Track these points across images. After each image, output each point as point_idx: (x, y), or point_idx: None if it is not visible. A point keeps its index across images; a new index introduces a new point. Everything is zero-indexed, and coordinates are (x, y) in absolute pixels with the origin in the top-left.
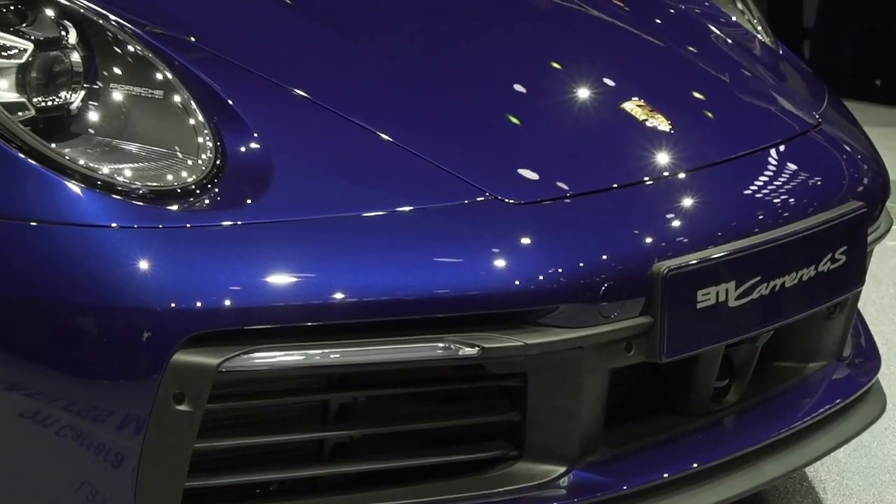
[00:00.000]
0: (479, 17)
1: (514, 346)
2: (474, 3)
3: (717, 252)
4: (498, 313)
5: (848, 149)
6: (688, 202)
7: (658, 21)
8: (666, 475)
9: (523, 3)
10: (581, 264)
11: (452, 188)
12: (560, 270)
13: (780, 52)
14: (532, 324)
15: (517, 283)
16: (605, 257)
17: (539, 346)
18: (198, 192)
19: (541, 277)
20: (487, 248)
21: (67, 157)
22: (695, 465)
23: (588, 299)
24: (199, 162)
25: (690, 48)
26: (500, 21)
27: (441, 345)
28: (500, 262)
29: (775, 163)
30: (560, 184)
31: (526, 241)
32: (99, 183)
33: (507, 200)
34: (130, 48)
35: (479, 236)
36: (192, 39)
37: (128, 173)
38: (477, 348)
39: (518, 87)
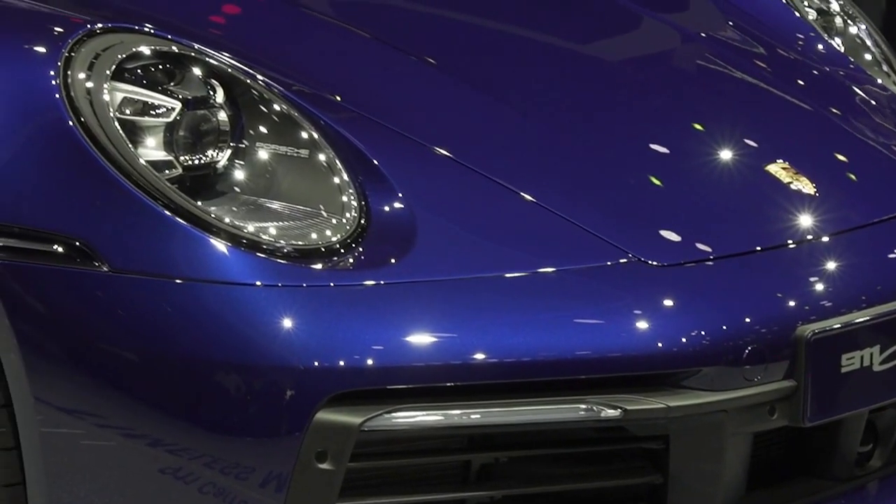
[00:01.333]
0: (622, 80)
1: (656, 409)
2: (616, 65)
3: (861, 316)
4: (640, 375)
5: None
6: (832, 266)
7: (802, 83)
8: None
9: (666, 65)
10: (724, 327)
11: (595, 249)
12: (703, 333)
13: None
14: (674, 386)
15: (660, 345)
16: (748, 320)
17: (682, 409)
18: (342, 251)
19: (684, 340)
20: (630, 310)
21: (213, 216)
22: None
23: (731, 362)
24: (344, 221)
25: (835, 110)
26: (642, 83)
27: (583, 406)
28: (642, 324)
29: None
30: (703, 246)
31: (669, 303)
32: (244, 241)
33: (650, 262)
34: (276, 107)
35: (622, 298)
36: (337, 98)
37: (273, 232)
38: (619, 410)
39: (660, 148)
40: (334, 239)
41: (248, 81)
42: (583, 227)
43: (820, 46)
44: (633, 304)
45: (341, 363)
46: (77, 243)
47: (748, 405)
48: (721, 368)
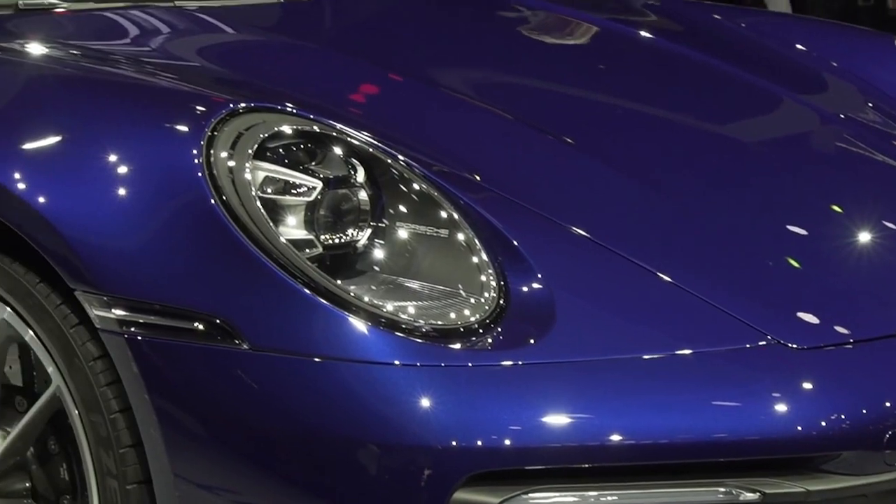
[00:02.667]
0: (759, 160)
1: (795, 493)
2: (754, 145)
3: None
4: (779, 459)
5: None
6: None
7: None
8: None
9: (804, 146)
10: (865, 411)
11: (733, 331)
12: (843, 417)
13: None
14: (814, 470)
15: (799, 428)
16: (888, 404)
17: (821, 493)
18: (481, 331)
19: (823, 424)
20: (769, 393)
21: (353, 294)
22: None
23: (872, 446)
24: (483, 301)
25: None
26: (779, 164)
27: (721, 490)
28: (781, 407)
29: None
30: (842, 329)
31: (808, 386)
32: (383, 320)
33: (789, 345)
34: (416, 187)
35: (761, 380)
36: (477, 178)
37: (411, 311)
38: (758, 494)
39: (797, 230)
40: (473, 319)
41: (389, 161)
42: (721, 308)
43: None
44: (773, 387)
45: (479, 443)
46: (217, 321)
47: (889, 490)
48: (861, 453)
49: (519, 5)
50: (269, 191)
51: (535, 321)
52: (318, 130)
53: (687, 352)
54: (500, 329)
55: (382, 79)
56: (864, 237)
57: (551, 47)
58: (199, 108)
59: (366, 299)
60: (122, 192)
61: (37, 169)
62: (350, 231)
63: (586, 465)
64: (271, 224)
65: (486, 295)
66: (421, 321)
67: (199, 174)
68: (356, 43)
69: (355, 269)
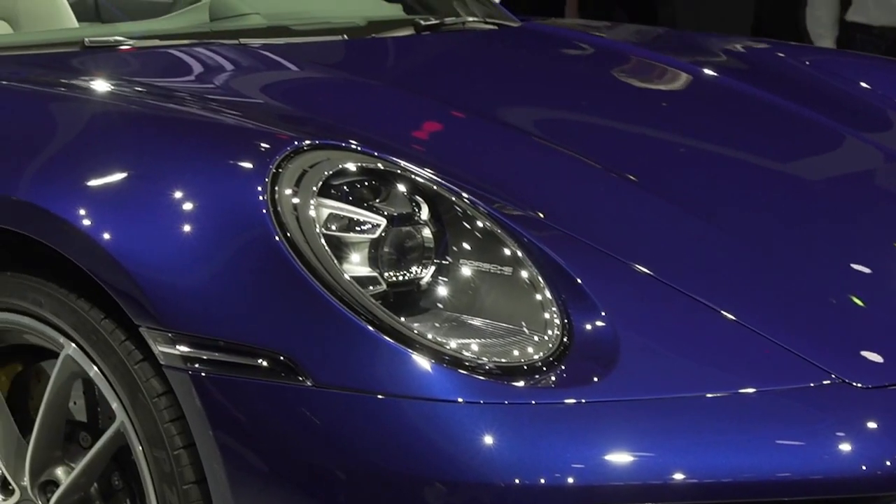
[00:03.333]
0: (822, 198)
1: None
2: (817, 184)
3: None
4: (843, 498)
5: None
6: None
7: None
8: None
9: (868, 184)
10: None
11: (797, 369)
12: None
13: None
14: None
15: (864, 468)
16: None
17: None
18: (544, 368)
19: (888, 463)
20: (833, 432)
21: (416, 332)
22: None
23: None
24: (546, 338)
25: None
26: (843, 202)
27: None
28: (846, 447)
29: None
30: None
31: (873, 425)
32: (447, 358)
33: (853, 384)
34: (480, 224)
35: (825, 420)
36: (540, 215)
37: (475, 348)
38: None
39: (861, 268)
40: (536, 356)
41: (453, 199)
42: (784, 346)
43: None
44: (837, 427)
45: (542, 481)
46: (281, 357)
47: None
48: None
49: (583, 43)
50: (334, 228)
51: (598, 359)
52: (382, 168)
53: (750, 390)
54: (563, 367)
55: (446, 116)
56: None
57: (614, 85)
58: (263, 145)
59: (429, 336)
60: (187, 228)
61: (102, 206)
62: (414, 268)
63: None
64: (335, 261)
65: (550, 333)
66: (484, 359)
67: (264, 211)
68: (419, 80)
69: (419, 307)
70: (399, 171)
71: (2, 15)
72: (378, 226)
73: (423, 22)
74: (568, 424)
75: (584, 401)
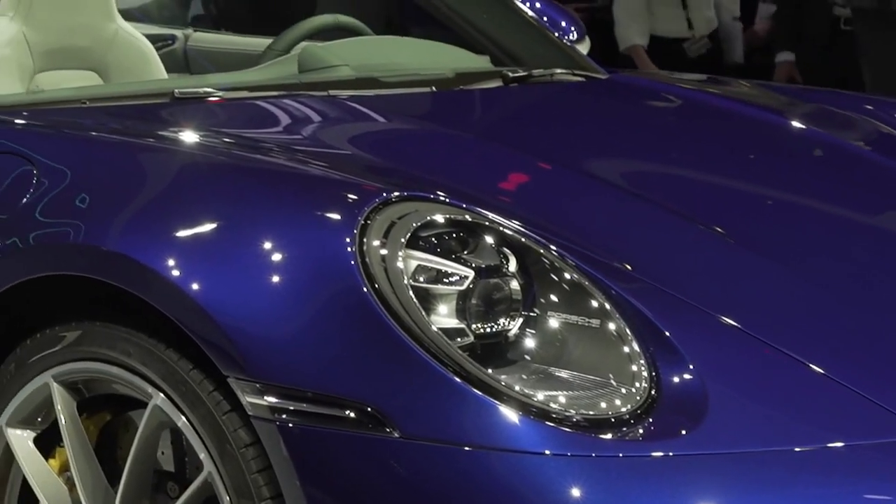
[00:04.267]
0: None
1: None
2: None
3: None
4: None
5: None
6: None
7: None
8: None
9: None
10: None
11: (885, 423)
12: None
13: None
14: None
15: None
16: None
17: None
18: (632, 421)
19: None
20: None
21: (503, 384)
22: None
23: None
24: (634, 391)
25: None
26: None
27: None
28: None
29: None
30: None
31: None
32: (534, 410)
33: None
34: (567, 276)
35: None
36: (627, 267)
37: (562, 400)
38: None
39: None
40: (624, 409)
41: (541, 251)
42: (872, 399)
43: None
44: None
45: None
46: (369, 409)
47: None
48: None
49: (670, 95)
50: (422, 279)
51: (686, 412)
52: (470, 219)
53: (839, 444)
54: (651, 420)
55: (533, 168)
56: None
57: (701, 136)
58: (351, 196)
59: (517, 388)
60: (275, 279)
61: (190, 256)
62: (501, 320)
63: None
64: (423, 313)
65: (638, 385)
66: (572, 411)
67: (352, 262)
68: (507, 132)
69: (506, 358)
70: (487, 223)
71: (91, 66)
72: (466, 278)
73: (511, 74)
74: (655, 478)
75: (671, 454)
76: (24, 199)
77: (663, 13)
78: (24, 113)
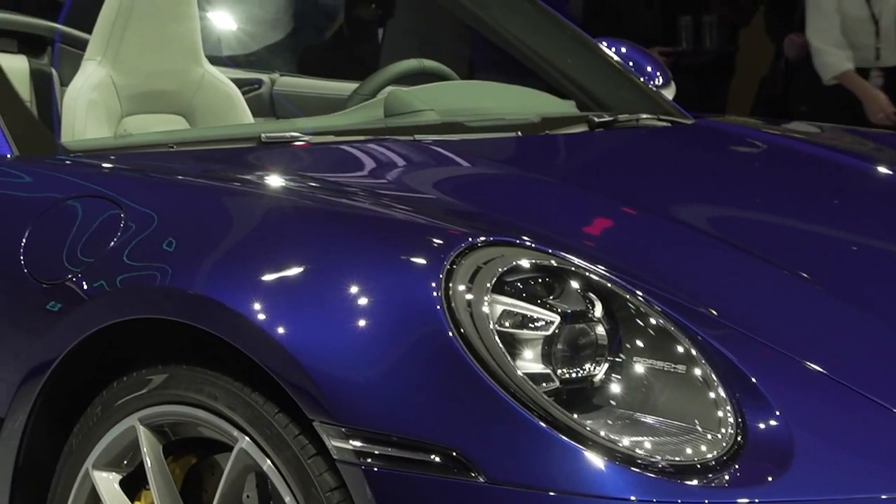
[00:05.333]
0: None
1: None
2: None
3: None
4: None
5: None
6: None
7: None
8: None
9: None
10: None
11: None
12: None
13: None
14: None
15: None
16: None
17: None
18: (718, 467)
19: None
20: None
21: (589, 429)
22: None
23: None
24: (720, 437)
25: None
26: None
27: None
28: None
29: None
30: None
31: None
32: (619, 455)
33: None
34: (653, 321)
35: None
36: (713, 312)
37: (648, 446)
38: None
39: None
40: (710, 455)
41: (627, 296)
42: None
43: None
44: None
45: None
46: (454, 453)
47: None
48: None
49: (756, 140)
50: (507, 324)
51: (772, 459)
52: (555, 264)
53: None
54: (737, 466)
55: (618, 212)
56: None
57: (788, 182)
58: (437, 240)
59: (602, 434)
60: (360, 323)
61: (276, 300)
62: (587, 365)
63: None
64: (509, 358)
65: (724, 431)
66: (657, 457)
67: (438, 307)
68: (592, 177)
69: (592, 404)
70: (573, 269)
71: (178, 110)
72: (551, 323)
73: (596, 119)
74: None
75: (757, 501)
76: (112, 243)
77: (852, 41)
78: (112, 157)
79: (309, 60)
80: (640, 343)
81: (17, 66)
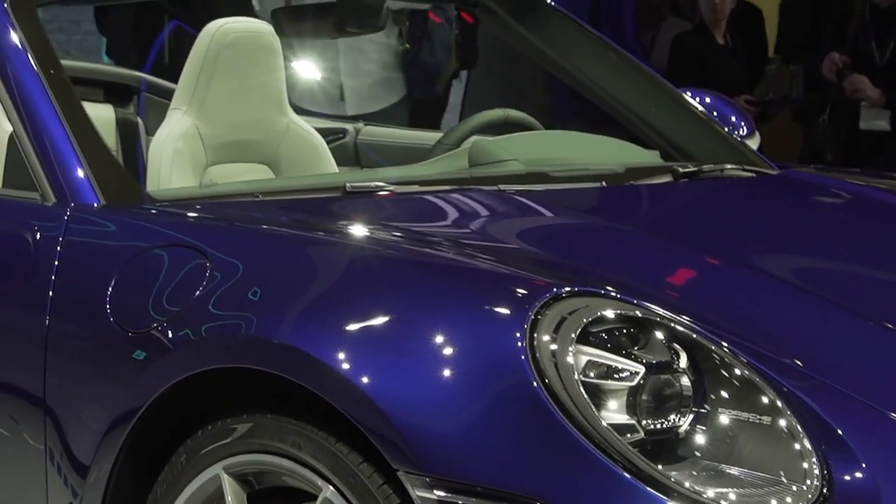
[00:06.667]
0: None
1: None
2: None
3: None
4: None
5: None
6: None
7: None
8: None
9: None
10: None
11: None
12: None
13: None
14: None
15: None
16: None
17: None
18: None
19: None
20: None
21: (674, 480)
22: None
23: None
24: (805, 489)
25: None
26: None
27: None
28: None
29: None
30: None
31: None
32: None
33: None
34: (738, 372)
35: None
36: (798, 363)
37: (732, 498)
38: None
39: None
40: None
41: (712, 347)
42: None
43: None
44: None
45: None
46: (538, 503)
47: None
48: None
49: (842, 191)
50: (592, 375)
51: None
52: (640, 315)
53: None
54: None
55: (701, 262)
56: None
57: (874, 233)
58: (521, 290)
59: (687, 485)
60: (445, 373)
61: (360, 349)
62: (672, 416)
63: None
64: (593, 408)
65: (809, 483)
66: None
67: (523, 357)
68: (675, 227)
69: (676, 455)
70: (658, 319)
71: (263, 159)
72: (636, 373)
73: (681, 169)
74: None
75: None
76: (197, 292)
77: None
78: (197, 206)
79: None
80: (725, 394)
81: (103, 116)
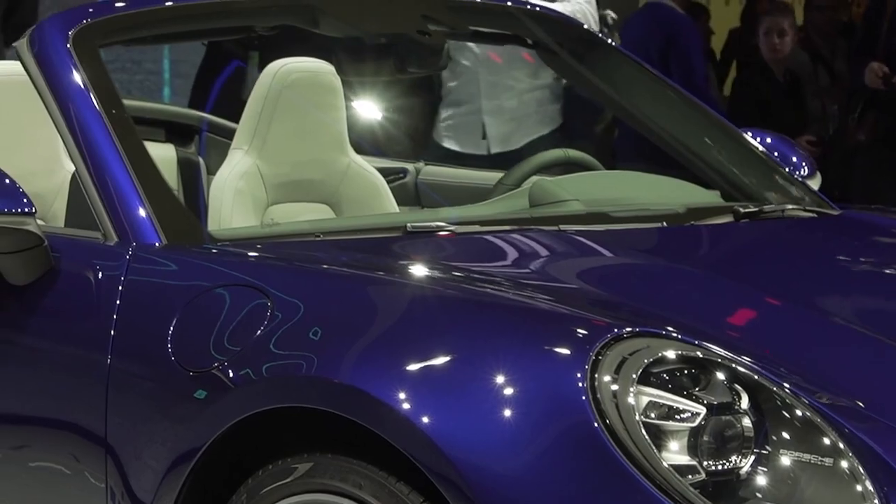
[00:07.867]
0: None
1: None
2: None
3: None
4: None
5: None
6: None
7: None
8: None
9: None
10: None
11: None
12: None
13: None
14: None
15: None
16: None
17: None
18: None
19: None
20: None
21: None
22: None
23: None
24: None
25: None
26: None
27: None
28: None
29: None
30: None
31: None
32: None
33: None
34: (800, 414)
35: None
36: (860, 405)
37: None
38: None
39: None
40: None
41: (773, 388)
42: None
43: None
44: None
45: None
46: None
47: None
48: None
49: None
50: (653, 416)
51: None
52: (701, 356)
53: None
54: None
55: (762, 303)
56: None
57: None
58: (581, 331)
59: None
60: (505, 413)
61: (421, 389)
62: (733, 457)
63: None
64: (654, 449)
65: None
66: None
67: (583, 398)
68: (736, 267)
69: (738, 496)
70: (719, 360)
71: (324, 198)
72: (698, 414)
73: (741, 209)
74: None
75: None
76: (259, 332)
77: None
78: (258, 245)
79: None
80: (786, 435)
81: (165, 155)
